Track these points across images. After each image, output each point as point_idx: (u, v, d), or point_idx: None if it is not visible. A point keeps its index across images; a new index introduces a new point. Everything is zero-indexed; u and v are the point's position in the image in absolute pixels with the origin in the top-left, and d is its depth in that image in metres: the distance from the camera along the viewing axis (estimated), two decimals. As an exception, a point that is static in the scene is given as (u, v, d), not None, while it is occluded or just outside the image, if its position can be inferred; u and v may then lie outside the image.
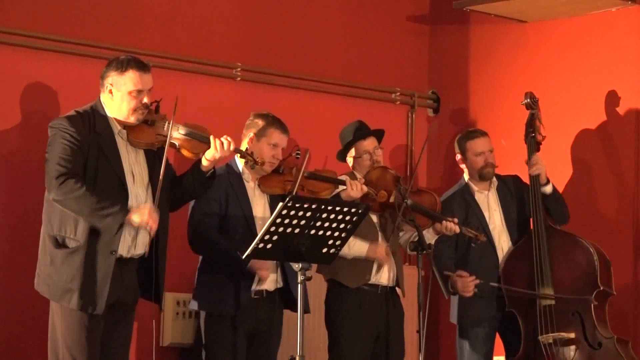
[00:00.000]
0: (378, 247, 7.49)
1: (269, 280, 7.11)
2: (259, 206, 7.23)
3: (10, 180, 7.39)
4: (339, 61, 8.97)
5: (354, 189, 7.29)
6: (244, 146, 7.16)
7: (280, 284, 7.20)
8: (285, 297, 7.21)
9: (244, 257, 6.66)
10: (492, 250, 8.10)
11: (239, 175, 7.19)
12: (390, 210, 7.59)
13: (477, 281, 7.88)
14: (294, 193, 6.99)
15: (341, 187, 7.25)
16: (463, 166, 8.23)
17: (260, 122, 7.24)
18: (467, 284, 7.87)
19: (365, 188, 7.31)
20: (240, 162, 7.16)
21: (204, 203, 7.11)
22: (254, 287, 7.10)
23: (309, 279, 6.74)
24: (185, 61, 7.97)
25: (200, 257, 7.21)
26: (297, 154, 7.12)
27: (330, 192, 7.16)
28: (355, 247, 7.31)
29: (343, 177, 7.47)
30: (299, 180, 7.05)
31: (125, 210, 6.34)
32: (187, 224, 7.13)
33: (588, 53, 8.84)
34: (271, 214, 6.86)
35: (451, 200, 8.12)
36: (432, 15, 9.51)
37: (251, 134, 7.19)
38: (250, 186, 7.21)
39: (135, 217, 6.34)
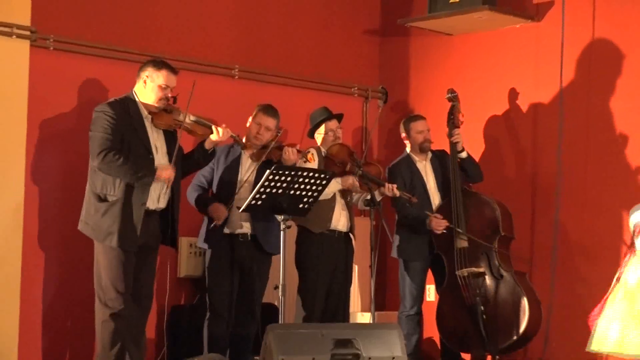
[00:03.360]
0: (349, 178, 7.56)
1: (245, 227, 7.21)
2: (247, 169, 7.30)
3: (66, 150, 7.43)
4: (312, 64, 8.96)
5: (290, 155, 7.32)
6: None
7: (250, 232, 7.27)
8: (254, 241, 7.28)
9: (240, 210, 6.85)
10: (429, 206, 8.09)
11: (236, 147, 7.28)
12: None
13: (447, 223, 7.94)
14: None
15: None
16: (407, 142, 8.24)
17: (256, 109, 7.36)
18: (440, 223, 7.94)
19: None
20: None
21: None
22: (238, 230, 7.20)
23: (289, 227, 6.87)
24: (192, 63, 7.93)
25: None
26: (278, 132, 7.24)
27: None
28: (330, 188, 7.28)
29: (311, 150, 7.59)
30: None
31: (154, 171, 6.54)
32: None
33: (497, 59, 8.85)
34: (257, 177, 7.06)
35: (398, 167, 8.16)
36: (381, 29, 9.49)
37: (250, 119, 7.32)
38: (246, 156, 7.31)
39: (164, 173, 6.57)
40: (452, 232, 7.95)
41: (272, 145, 7.16)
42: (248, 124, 7.31)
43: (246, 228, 7.22)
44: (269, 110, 7.38)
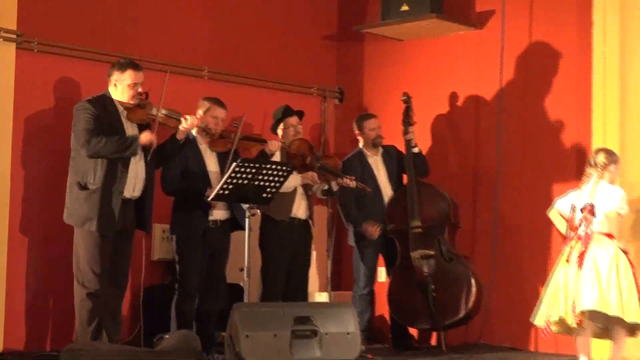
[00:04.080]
0: (308, 174, 7.56)
1: (221, 212, 7.19)
2: (210, 160, 7.27)
3: (47, 144, 7.40)
4: (275, 66, 8.93)
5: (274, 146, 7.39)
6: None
7: (228, 216, 7.25)
8: (232, 224, 7.27)
9: (209, 199, 6.81)
10: (380, 197, 8.13)
11: (193, 140, 7.20)
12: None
13: (379, 227, 7.98)
14: (232, 150, 7.05)
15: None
16: (359, 138, 8.27)
17: (207, 103, 7.29)
18: (374, 231, 7.99)
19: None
20: (194, 131, 7.17)
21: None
22: (210, 217, 7.16)
23: (253, 214, 6.86)
24: (165, 64, 7.75)
25: (174, 198, 7.25)
26: (235, 124, 7.19)
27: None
28: (291, 182, 7.30)
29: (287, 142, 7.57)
30: (235, 140, 7.09)
31: (136, 138, 6.56)
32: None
33: (443, 62, 8.86)
34: (218, 166, 7.13)
35: (352, 161, 8.17)
36: (338, 35, 9.47)
37: (202, 109, 7.24)
38: (201, 144, 7.26)
39: (144, 137, 6.58)
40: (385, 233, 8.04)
41: (237, 137, 7.12)
42: (198, 117, 7.11)
43: (220, 215, 7.20)
44: (221, 102, 7.34)
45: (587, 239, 6.56)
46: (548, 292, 6.72)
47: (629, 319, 6.43)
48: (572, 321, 6.54)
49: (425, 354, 7.73)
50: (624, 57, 7.74)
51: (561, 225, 6.88)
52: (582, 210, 6.60)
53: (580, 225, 6.61)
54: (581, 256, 6.53)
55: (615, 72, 7.76)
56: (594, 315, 6.51)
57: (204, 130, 7.15)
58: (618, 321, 6.49)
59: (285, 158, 7.53)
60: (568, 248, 6.67)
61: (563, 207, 6.80)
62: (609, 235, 6.59)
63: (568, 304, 6.54)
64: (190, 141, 7.11)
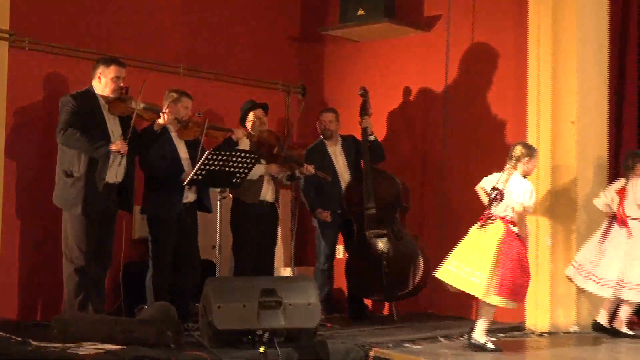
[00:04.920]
0: (272, 167, 7.58)
1: (191, 194, 7.12)
2: (181, 147, 7.20)
3: (37, 134, 7.37)
4: (244, 63, 8.89)
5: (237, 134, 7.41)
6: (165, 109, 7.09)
7: (196, 198, 7.20)
8: (199, 205, 7.24)
9: (184, 183, 6.80)
10: (338, 183, 8.13)
11: (165, 128, 7.07)
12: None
13: (328, 215, 8.01)
14: (201, 139, 6.98)
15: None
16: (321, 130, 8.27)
17: (175, 94, 7.20)
18: (325, 216, 8.02)
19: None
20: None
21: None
22: (183, 200, 7.11)
23: (224, 197, 6.91)
24: (144, 62, 7.83)
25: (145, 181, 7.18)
26: (199, 113, 7.15)
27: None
28: (256, 171, 7.28)
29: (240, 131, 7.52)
30: (204, 129, 7.04)
31: (108, 143, 6.53)
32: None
33: (395, 61, 8.88)
34: (187, 153, 7.10)
35: (313, 150, 8.18)
36: (301, 36, 9.46)
37: (169, 102, 7.14)
38: (174, 135, 7.18)
39: (114, 146, 6.53)
40: (356, 209, 8.02)
41: (206, 126, 7.06)
42: (168, 108, 7.06)
43: (190, 197, 7.16)
44: (187, 93, 7.27)
45: (486, 218, 6.58)
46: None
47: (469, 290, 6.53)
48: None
49: (379, 323, 7.74)
50: (555, 58, 7.76)
51: (485, 200, 6.80)
52: (492, 190, 6.59)
53: (489, 204, 6.61)
54: (480, 228, 6.56)
55: (547, 70, 7.78)
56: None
57: (175, 119, 7.06)
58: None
59: (254, 147, 7.50)
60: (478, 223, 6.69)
61: (486, 185, 6.75)
62: (503, 220, 6.55)
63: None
64: (162, 130, 7.06)
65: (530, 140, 7.71)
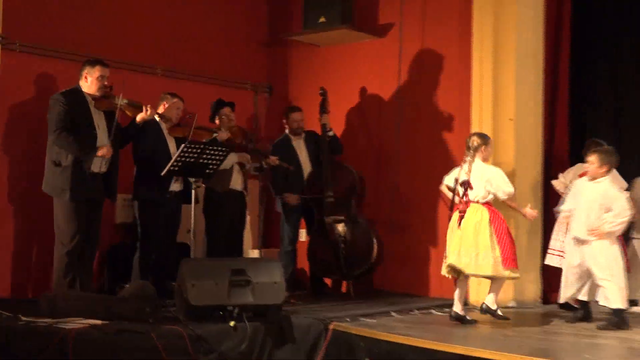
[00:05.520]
0: (244, 156, 7.61)
1: (177, 185, 7.11)
2: (171, 143, 7.21)
3: (28, 129, 7.30)
4: (217, 66, 8.84)
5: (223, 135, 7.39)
6: (160, 109, 7.20)
7: (182, 188, 7.19)
8: (185, 196, 7.17)
9: (162, 174, 6.74)
10: (301, 173, 8.15)
11: (157, 123, 7.17)
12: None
13: (298, 198, 8.04)
14: (189, 136, 6.94)
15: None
16: (286, 126, 8.27)
17: (169, 96, 7.29)
18: (293, 199, 8.06)
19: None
20: (157, 118, 7.18)
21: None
22: (170, 189, 7.11)
23: (199, 187, 6.90)
24: (125, 63, 7.79)
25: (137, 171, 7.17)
26: (189, 116, 7.17)
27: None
28: (229, 159, 7.29)
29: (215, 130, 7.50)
30: (192, 127, 7.02)
31: (95, 150, 6.51)
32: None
33: (353, 64, 8.86)
34: (176, 149, 6.99)
35: (279, 144, 8.20)
36: (268, 41, 9.41)
37: (164, 102, 7.24)
38: (164, 130, 7.21)
39: (100, 152, 6.52)
40: (317, 197, 8.03)
41: (194, 125, 7.04)
42: (163, 108, 7.19)
43: (176, 187, 7.15)
44: (179, 96, 7.34)
45: (464, 207, 6.60)
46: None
47: (480, 272, 6.56)
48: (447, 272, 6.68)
49: (337, 299, 7.75)
50: (496, 62, 7.80)
51: (450, 196, 6.77)
52: (461, 185, 6.59)
53: (462, 196, 6.62)
54: (459, 220, 6.57)
55: (489, 73, 7.82)
56: (454, 269, 6.62)
57: (163, 117, 7.10)
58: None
59: (225, 141, 7.48)
60: (456, 214, 6.64)
61: (448, 181, 6.76)
62: (483, 204, 6.61)
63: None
64: (154, 126, 7.09)
65: (473, 135, 7.79)
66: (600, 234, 6.44)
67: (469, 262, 6.51)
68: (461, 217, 6.56)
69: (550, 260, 7.40)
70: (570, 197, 6.81)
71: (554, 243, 7.39)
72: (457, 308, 6.62)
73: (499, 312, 6.66)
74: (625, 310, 6.45)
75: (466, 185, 6.56)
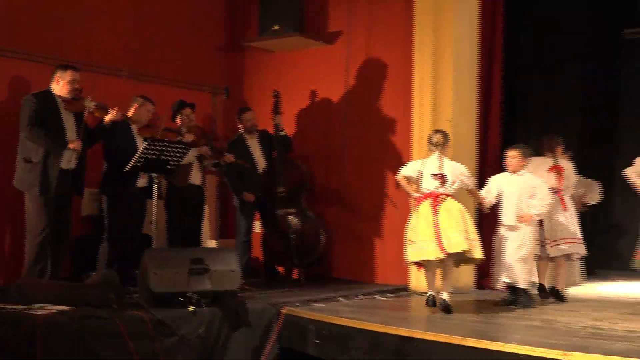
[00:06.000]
0: (203, 148, 7.53)
1: (143, 180, 7.03)
2: (140, 142, 7.07)
3: (1, 129, 7.15)
4: (178, 69, 8.77)
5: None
6: (131, 111, 7.07)
7: (147, 184, 7.07)
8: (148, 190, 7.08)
9: (125, 169, 6.68)
10: (256, 170, 8.12)
11: (127, 124, 7.08)
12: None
13: (253, 196, 8.02)
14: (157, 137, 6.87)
15: None
16: (240, 126, 8.24)
17: (141, 100, 7.22)
18: (250, 197, 8.01)
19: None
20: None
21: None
22: (137, 184, 7.05)
23: (160, 182, 6.87)
24: (92, 66, 7.69)
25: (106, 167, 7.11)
26: (159, 118, 7.12)
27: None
28: (190, 155, 7.24)
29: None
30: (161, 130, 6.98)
31: (66, 142, 6.45)
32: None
33: (305, 69, 8.86)
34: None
35: (234, 142, 8.15)
36: (225, 47, 9.36)
37: (135, 105, 7.15)
38: (134, 130, 7.15)
39: (71, 145, 6.46)
40: (269, 191, 8.01)
41: (162, 127, 7.03)
42: (134, 110, 7.08)
43: (142, 183, 7.08)
44: (150, 99, 7.27)
45: (436, 197, 6.39)
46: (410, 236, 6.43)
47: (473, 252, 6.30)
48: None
49: (289, 286, 7.75)
50: (435, 68, 7.86)
51: (408, 187, 6.56)
52: (434, 177, 6.42)
53: (432, 187, 6.44)
54: (434, 208, 6.32)
55: (429, 78, 7.88)
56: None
57: (131, 119, 7.04)
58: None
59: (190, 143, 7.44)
60: (425, 204, 6.39)
61: (408, 172, 6.54)
62: (450, 196, 6.43)
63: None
64: (124, 127, 7.03)
65: (414, 136, 7.86)
66: (529, 218, 6.53)
67: (460, 242, 6.17)
68: (435, 206, 6.32)
69: None
70: (488, 191, 6.79)
71: None
72: (434, 292, 6.47)
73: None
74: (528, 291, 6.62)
75: (440, 177, 6.42)
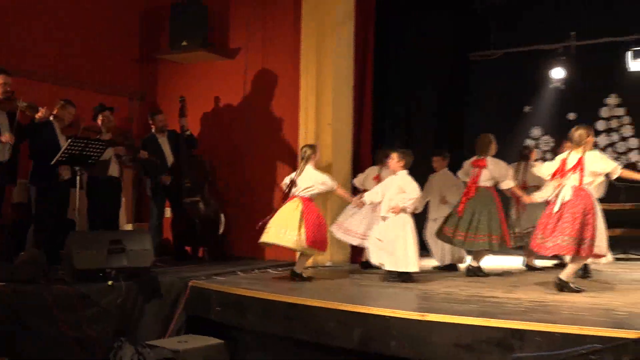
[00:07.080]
0: (120, 148, 7.39)
1: (66, 172, 6.81)
2: (62, 140, 6.89)
3: None
4: (99, 76, 8.54)
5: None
6: (55, 111, 6.87)
7: (71, 176, 6.81)
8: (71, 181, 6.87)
9: (52, 163, 6.49)
10: (166, 164, 7.96)
11: (51, 123, 6.89)
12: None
13: (169, 179, 7.85)
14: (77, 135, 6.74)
15: None
16: (152, 126, 8.10)
17: (63, 102, 7.00)
18: (166, 179, 7.84)
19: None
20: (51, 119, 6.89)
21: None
22: (62, 177, 6.87)
23: (83, 174, 6.68)
24: (22, 70, 7.38)
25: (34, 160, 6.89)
26: (82, 119, 6.99)
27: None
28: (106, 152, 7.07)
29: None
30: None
31: None
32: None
33: (209, 79, 8.75)
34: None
35: (148, 141, 8.00)
36: (141, 58, 9.16)
37: (58, 107, 6.94)
38: (57, 129, 6.94)
39: (3, 138, 6.27)
40: (177, 182, 7.92)
41: (82, 127, 6.86)
42: (57, 111, 6.90)
43: (66, 175, 6.85)
44: (72, 103, 7.07)
45: (288, 200, 6.65)
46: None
47: (283, 243, 6.51)
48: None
49: (195, 262, 7.71)
50: (318, 81, 7.95)
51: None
52: (290, 183, 6.64)
53: (289, 191, 6.65)
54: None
55: (313, 89, 7.96)
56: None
57: (57, 118, 6.86)
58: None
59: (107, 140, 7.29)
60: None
61: (287, 180, 6.73)
62: (302, 198, 6.60)
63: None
64: (48, 126, 6.82)
65: (301, 137, 7.94)
66: (397, 210, 6.66)
67: (277, 234, 6.46)
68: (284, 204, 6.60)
69: (353, 240, 7.60)
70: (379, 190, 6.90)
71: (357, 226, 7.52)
72: (299, 269, 6.66)
73: (304, 275, 6.67)
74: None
75: (293, 184, 6.60)
